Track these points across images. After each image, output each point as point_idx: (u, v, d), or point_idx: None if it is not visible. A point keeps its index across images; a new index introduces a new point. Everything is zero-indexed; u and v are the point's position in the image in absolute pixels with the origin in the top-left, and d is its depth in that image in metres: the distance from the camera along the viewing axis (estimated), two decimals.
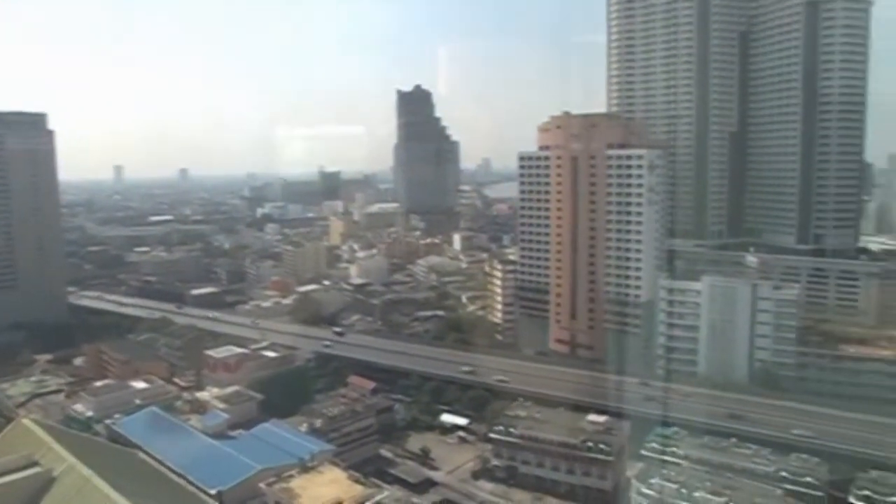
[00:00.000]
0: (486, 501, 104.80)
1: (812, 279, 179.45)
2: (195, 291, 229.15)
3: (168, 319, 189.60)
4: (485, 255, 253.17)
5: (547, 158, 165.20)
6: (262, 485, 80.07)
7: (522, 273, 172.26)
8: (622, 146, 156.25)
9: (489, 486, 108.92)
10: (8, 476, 39.77)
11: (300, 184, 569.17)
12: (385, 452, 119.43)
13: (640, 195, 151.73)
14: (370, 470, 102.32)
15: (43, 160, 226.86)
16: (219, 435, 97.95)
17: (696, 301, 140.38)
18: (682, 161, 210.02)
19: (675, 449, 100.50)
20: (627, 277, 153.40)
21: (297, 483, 79.95)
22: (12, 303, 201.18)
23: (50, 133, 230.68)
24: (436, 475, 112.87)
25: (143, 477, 55.81)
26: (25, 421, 51.07)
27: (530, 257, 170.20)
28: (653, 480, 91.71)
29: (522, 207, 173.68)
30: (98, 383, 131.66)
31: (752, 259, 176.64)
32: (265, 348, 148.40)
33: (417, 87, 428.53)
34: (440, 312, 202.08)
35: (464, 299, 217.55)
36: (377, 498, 77.62)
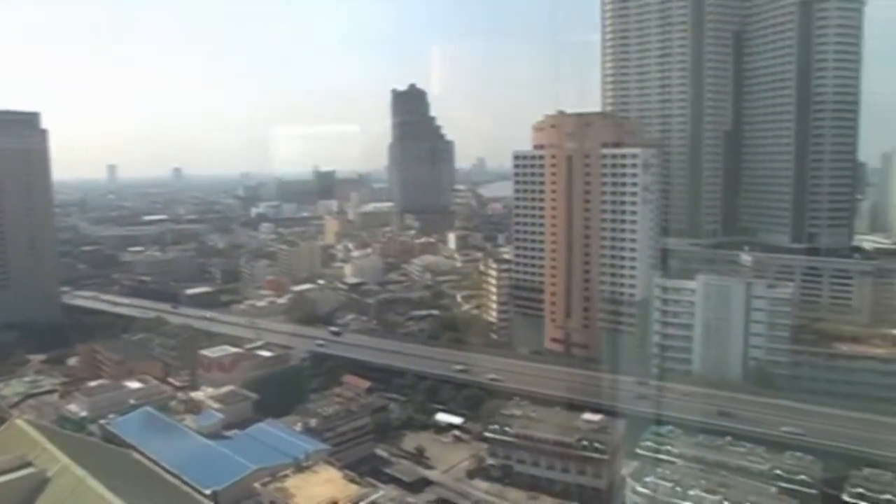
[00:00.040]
0: (481, 500, 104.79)
1: (806, 278, 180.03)
2: (189, 291, 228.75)
3: (162, 319, 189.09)
4: (480, 255, 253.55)
5: (542, 157, 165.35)
6: (256, 484, 79.87)
7: (517, 272, 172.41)
8: (617, 145, 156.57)
9: (484, 485, 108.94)
10: (1, 477, 39.66)
11: (295, 183, 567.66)
12: (380, 452, 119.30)
13: (634, 194, 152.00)
14: (365, 469, 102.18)
15: (36, 159, 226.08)
16: (213, 435, 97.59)
17: (690, 300, 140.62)
18: (677, 160, 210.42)
19: (669, 447, 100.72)
20: (622, 276, 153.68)
21: (292, 483, 79.79)
22: (5, 303, 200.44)
23: (43, 132, 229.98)
24: (431, 474, 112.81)
25: (138, 477, 55.72)
26: (19, 421, 50.99)
27: (525, 256, 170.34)
28: (647, 479, 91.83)
29: (517, 206, 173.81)
30: (92, 383, 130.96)
31: (746, 258, 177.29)
32: (260, 348, 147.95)
33: (412, 87, 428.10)
34: (435, 311, 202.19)
35: (459, 298, 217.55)
36: (372, 497, 77.51)
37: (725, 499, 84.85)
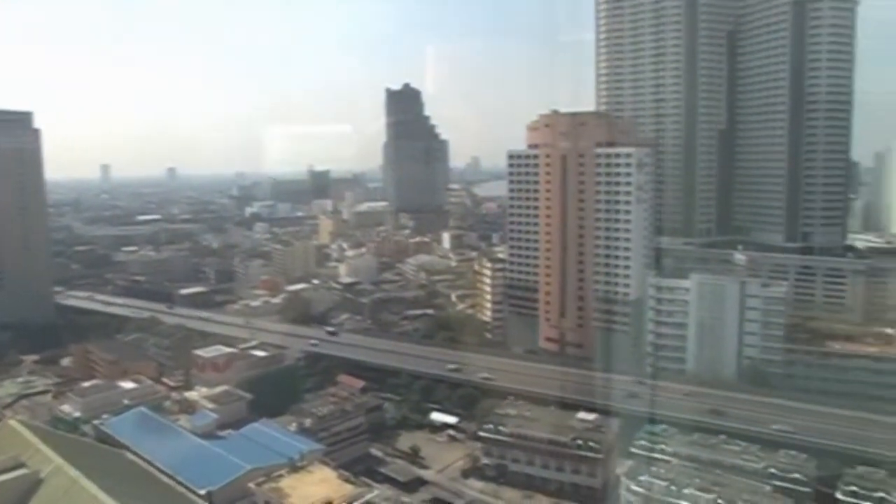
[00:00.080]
0: (476, 500, 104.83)
1: (800, 277, 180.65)
2: (184, 291, 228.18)
3: (156, 319, 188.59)
4: (474, 254, 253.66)
5: (536, 157, 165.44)
6: (251, 485, 79.74)
7: (512, 271, 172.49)
8: (611, 144, 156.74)
9: (479, 484, 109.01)
10: None
11: (289, 182, 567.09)
12: (375, 451, 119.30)
13: (628, 193, 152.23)
14: (360, 469, 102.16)
15: (29, 159, 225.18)
16: (208, 435, 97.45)
17: (684, 299, 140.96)
18: (671, 159, 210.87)
19: (664, 446, 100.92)
20: (616, 275, 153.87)
21: (287, 483, 79.70)
22: None
23: (36, 132, 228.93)
24: (426, 474, 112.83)
25: (132, 478, 55.58)
26: (12, 422, 50.80)
27: (519, 255, 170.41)
28: (642, 478, 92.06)
29: (511, 206, 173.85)
30: (86, 384, 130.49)
31: (740, 257, 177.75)
32: (254, 348, 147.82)
33: (406, 86, 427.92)
34: (429, 311, 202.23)
35: (453, 298, 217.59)
36: (367, 497, 77.48)
37: (720, 497, 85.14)
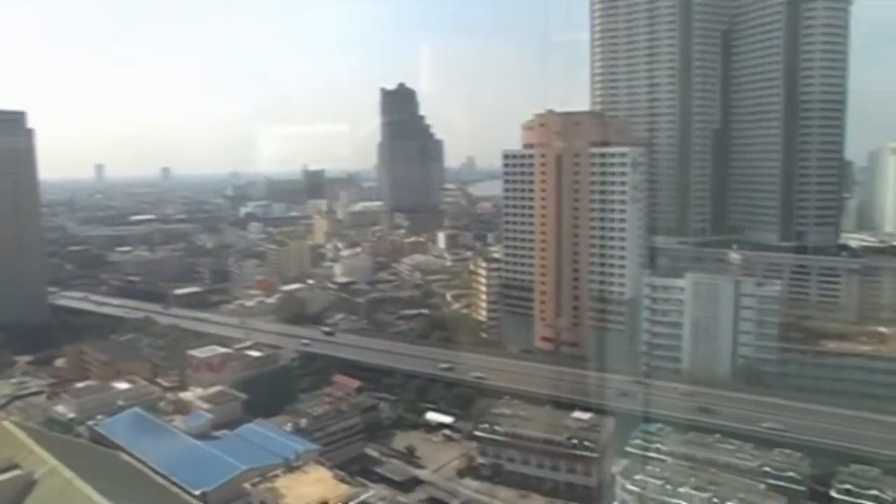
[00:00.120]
0: (471, 499, 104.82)
1: (794, 276, 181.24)
2: (178, 291, 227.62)
3: (151, 319, 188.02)
4: (469, 254, 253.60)
5: (531, 156, 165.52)
6: (246, 485, 79.61)
7: (507, 271, 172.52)
8: (605, 144, 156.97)
9: (474, 483, 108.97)
10: None
11: (284, 182, 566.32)
12: (370, 451, 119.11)
13: (623, 193, 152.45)
14: (355, 469, 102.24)
15: (22, 159, 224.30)
16: (203, 435, 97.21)
17: (679, 298, 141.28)
18: (665, 159, 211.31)
19: (659, 445, 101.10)
20: (611, 275, 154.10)
21: (283, 483, 79.59)
22: None
23: (29, 132, 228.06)
24: (421, 473, 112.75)
25: (126, 478, 55.44)
26: (6, 423, 50.61)
27: (515, 255, 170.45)
28: (637, 477, 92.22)
29: (507, 205, 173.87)
30: (80, 384, 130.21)
31: (734, 256, 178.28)
32: (249, 348, 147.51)
33: (401, 86, 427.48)
34: (425, 311, 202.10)
35: (448, 297, 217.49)
36: (363, 497, 77.41)
37: (715, 496, 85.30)
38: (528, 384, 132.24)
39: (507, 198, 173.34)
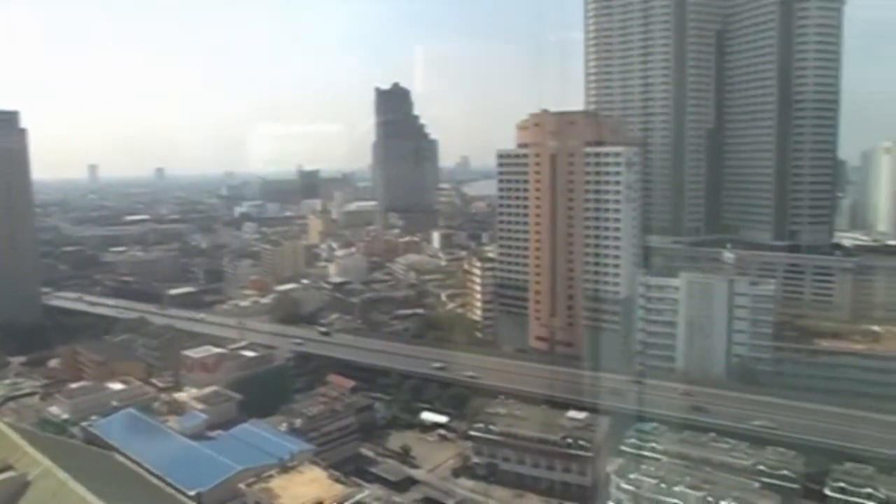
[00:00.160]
0: (466, 499, 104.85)
1: (788, 275, 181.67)
2: (173, 291, 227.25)
3: (145, 320, 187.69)
4: (464, 253, 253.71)
5: (525, 156, 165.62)
6: (241, 485, 79.58)
7: (502, 270, 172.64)
8: (600, 143, 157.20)
9: (469, 483, 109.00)
10: None
11: (278, 182, 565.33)
12: (365, 451, 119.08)
13: (617, 192, 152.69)
14: (350, 469, 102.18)
15: (15, 159, 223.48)
16: (197, 436, 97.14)
17: (674, 297, 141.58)
18: (660, 158, 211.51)
19: (654, 444, 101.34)
20: (606, 274, 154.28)
21: (277, 483, 79.57)
22: None
23: (22, 131, 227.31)
24: (416, 473, 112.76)
25: (121, 479, 55.17)
26: None
27: (509, 255, 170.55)
28: (632, 476, 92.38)
29: (501, 205, 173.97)
30: (74, 385, 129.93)
31: (729, 255, 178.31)
32: (244, 348, 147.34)
33: (396, 85, 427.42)
34: (420, 310, 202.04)
35: (443, 297, 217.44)
36: (358, 497, 77.43)
37: (709, 495, 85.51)
38: (523, 384, 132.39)
39: (501, 197, 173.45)
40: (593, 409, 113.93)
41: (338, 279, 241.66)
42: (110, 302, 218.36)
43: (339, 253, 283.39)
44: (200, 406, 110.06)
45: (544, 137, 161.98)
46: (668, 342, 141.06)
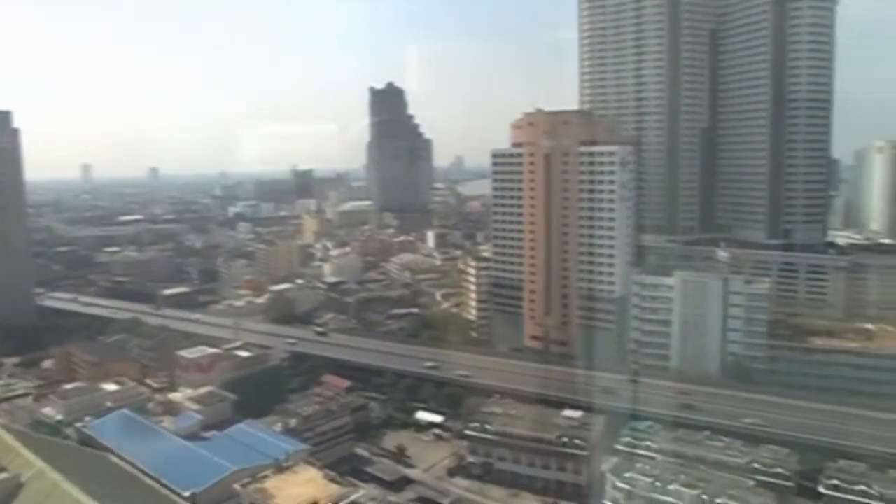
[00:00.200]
0: (462, 498, 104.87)
1: (782, 273, 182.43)
2: (167, 291, 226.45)
3: (139, 320, 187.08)
4: (458, 253, 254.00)
5: (520, 155, 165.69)
6: (236, 486, 79.33)
7: (496, 270, 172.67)
8: (594, 143, 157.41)
9: (465, 482, 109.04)
10: None
11: (273, 182, 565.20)
12: (361, 451, 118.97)
13: (612, 191, 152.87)
14: (346, 469, 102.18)
15: (8, 159, 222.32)
16: (192, 436, 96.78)
17: (668, 296, 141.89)
18: (654, 157, 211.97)
19: (649, 443, 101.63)
20: (600, 273, 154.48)
21: (272, 483, 79.35)
22: None
23: (15, 131, 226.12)
24: (412, 473, 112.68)
25: (115, 480, 55.09)
26: None
27: (504, 254, 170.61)
28: (627, 474, 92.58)
29: (496, 204, 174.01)
30: (67, 386, 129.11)
31: (723, 254, 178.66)
32: (238, 348, 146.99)
33: (390, 85, 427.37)
34: (414, 310, 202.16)
35: (438, 297, 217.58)
36: (353, 497, 77.31)
37: (704, 493, 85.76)
38: (518, 383, 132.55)
39: (496, 197, 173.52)
40: (588, 408, 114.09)
41: (332, 279, 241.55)
42: (104, 302, 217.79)
43: (334, 253, 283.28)
44: (195, 406, 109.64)
45: (539, 137, 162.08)
46: (663, 341, 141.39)
